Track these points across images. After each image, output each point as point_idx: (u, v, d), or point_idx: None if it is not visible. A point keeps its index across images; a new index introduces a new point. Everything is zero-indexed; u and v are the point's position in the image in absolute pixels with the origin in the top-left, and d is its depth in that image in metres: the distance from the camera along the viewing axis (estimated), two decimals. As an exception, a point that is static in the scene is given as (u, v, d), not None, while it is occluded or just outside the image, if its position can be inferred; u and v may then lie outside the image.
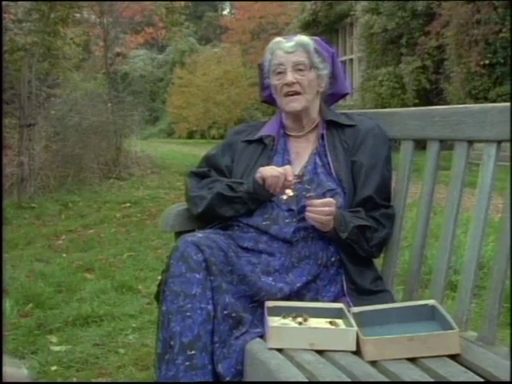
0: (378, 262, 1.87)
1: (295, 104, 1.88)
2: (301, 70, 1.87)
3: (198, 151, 13.11)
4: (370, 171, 1.82)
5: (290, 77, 1.86)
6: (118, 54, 13.86)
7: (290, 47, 1.88)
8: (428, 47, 11.31)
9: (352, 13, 14.19)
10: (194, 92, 18.74)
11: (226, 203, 1.84)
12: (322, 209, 1.70)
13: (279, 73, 1.89)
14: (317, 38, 1.98)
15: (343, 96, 2.09)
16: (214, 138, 18.70)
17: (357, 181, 1.82)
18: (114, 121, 9.74)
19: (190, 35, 28.31)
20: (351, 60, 15.91)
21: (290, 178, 1.76)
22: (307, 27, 15.70)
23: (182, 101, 19.24)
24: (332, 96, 2.02)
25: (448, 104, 9.62)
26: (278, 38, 1.95)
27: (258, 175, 1.80)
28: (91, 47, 13.42)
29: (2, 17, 6.68)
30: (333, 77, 1.97)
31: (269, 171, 1.78)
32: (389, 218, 1.83)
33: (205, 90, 18.47)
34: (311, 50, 1.89)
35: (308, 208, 1.72)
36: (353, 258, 1.77)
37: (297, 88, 1.87)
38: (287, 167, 1.79)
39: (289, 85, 1.86)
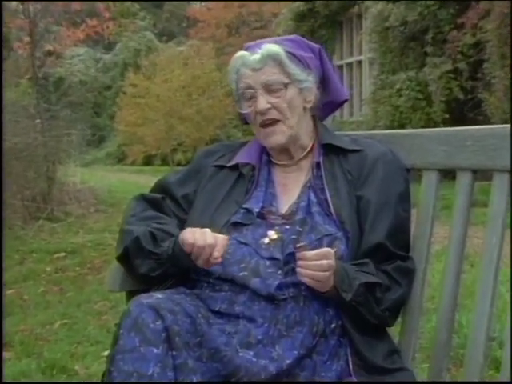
0: (394, 331, 1.88)
1: (276, 137, 1.90)
2: (274, 90, 1.88)
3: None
4: (380, 210, 1.83)
5: (262, 103, 1.87)
6: (50, 53, 13.90)
7: (256, 62, 1.88)
8: (461, 45, 11.46)
9: (360, 1, 14.43)
10: (152, 104, 18.79)
11: (142, 256, 1.85)
12: (318, 262, 1.69)
13: (249, 98, 1.90)
14: (294, 36, 1.99)
15: (340, 104, 2.11)
16: (179, 164, 18.71)
17: (363, 223, 1.83)
18: (44, 142, 9.73)
19: (147, 29, 28.64)
20: (359, 62, 16.12)
21: (217, 255, 1.72)
22: (302, 19, 15.92)
23: (137, 115, 19.27)
24: (326, 106, 2.03)
25: (489, 120, 9.74)
26: (241, 52, 1.94)
27: (181, 236, 1.78)
28: (12, 43, 13.45)
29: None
30: (324, 82, 1.98)
31: (192, 236, 1.74)
32: (406, 274, 1.85)
33: (167, 101, 18.54)
34: (284, 60, 1.88)
35: (299, 263, 1.71)
36: (359, 324, 1.77)
37: (273, 115, 1.88)
38: (220, 238, 1.74)
39: (262, 113, 1.88)
